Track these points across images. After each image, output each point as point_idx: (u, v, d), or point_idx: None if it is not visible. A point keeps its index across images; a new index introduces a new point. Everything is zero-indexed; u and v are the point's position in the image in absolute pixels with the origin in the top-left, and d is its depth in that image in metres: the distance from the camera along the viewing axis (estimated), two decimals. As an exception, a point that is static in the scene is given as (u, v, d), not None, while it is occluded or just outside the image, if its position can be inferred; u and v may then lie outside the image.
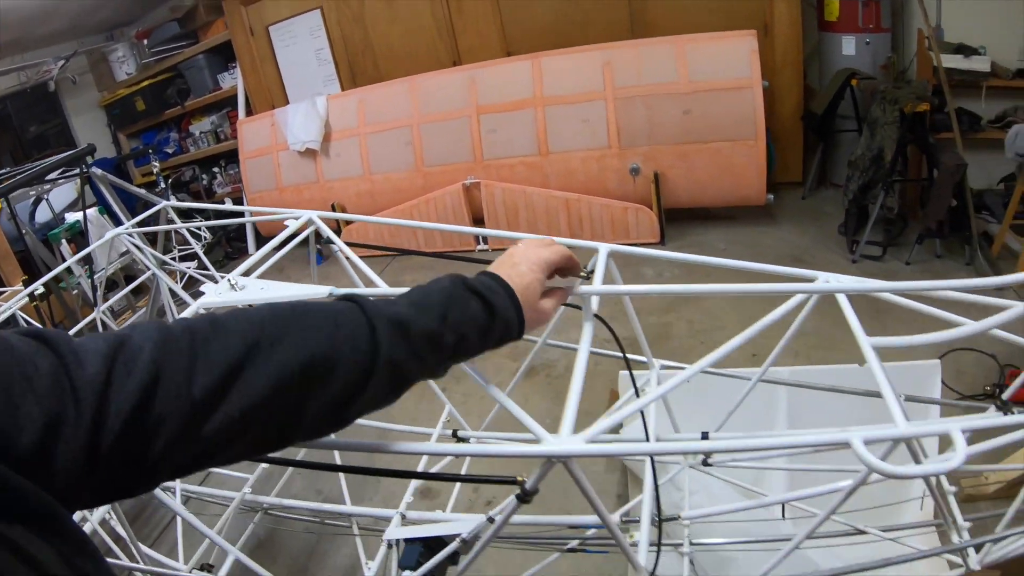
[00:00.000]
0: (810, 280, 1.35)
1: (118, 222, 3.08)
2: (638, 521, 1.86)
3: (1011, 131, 4.32)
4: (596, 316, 1.38)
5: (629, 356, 1.93)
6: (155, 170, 6.43)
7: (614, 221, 5.17)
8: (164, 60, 7.33)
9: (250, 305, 1.75)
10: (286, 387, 0.77)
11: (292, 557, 3.20)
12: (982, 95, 4.80)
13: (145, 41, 7.43)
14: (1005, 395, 1.74)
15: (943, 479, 1.97)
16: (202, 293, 1.96)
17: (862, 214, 4.73)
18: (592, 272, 1.54)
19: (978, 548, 1.56)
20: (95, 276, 3.50)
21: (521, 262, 1.10)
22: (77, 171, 3.74)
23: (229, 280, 1.98)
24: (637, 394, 1.30)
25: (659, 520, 1.40)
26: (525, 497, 1.13)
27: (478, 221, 5.60)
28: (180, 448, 0.69)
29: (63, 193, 6.11)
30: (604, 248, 1.55)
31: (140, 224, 2.67)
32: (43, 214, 6.01)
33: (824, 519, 1.25)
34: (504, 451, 1.16)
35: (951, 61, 4.69)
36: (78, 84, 7.62)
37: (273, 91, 6.82)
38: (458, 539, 1.55)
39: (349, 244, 2.15)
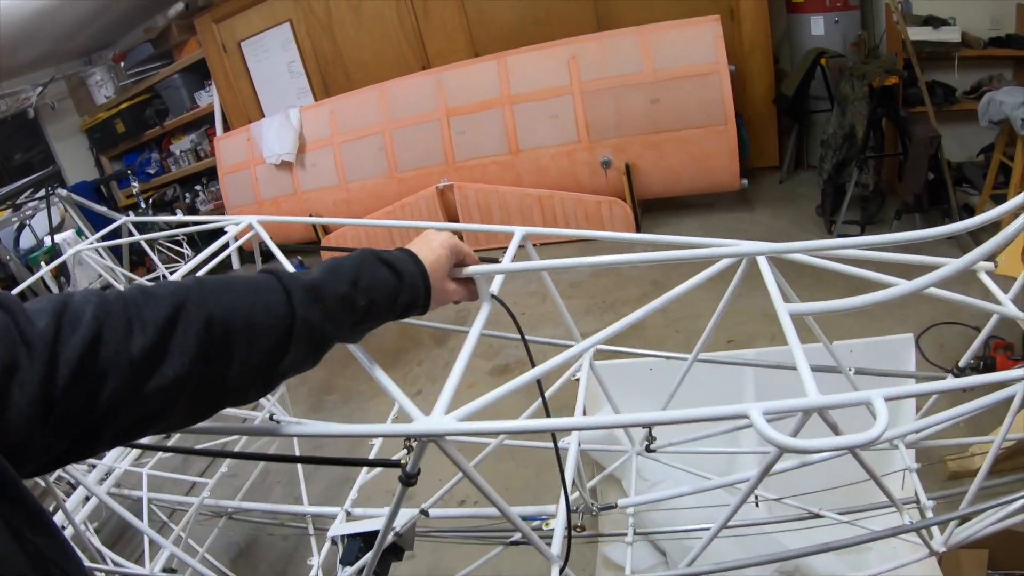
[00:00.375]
0: (730, 255, 1.32)
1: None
2: (577, 511, 1.83)
3: (984, 99, 4.25)
4: (493, 296, 1.36)
5: (562, 341, 1.90)
6: (135, 191, 6.43)
7: (588, 215, 5.12)
8: (141, 81, 7.35)
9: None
10: (214, 346, 0.82)
11: (271, 563, 3.21)
12: (955, 66, 4.72)
13: (122, 64, 7.45)
14: (961, 362, 1.68)
15: (905, 453, 1.91)
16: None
17: (838, 194, 4.65)
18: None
19: (942, 528, 1.49)
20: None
21: (433, 239, 1.18)
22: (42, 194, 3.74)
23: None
24: (533, 364, 1.24)
25: (567, 510, 1.35)
26: (407, 480, 1.12)
27: (454, 220, 5.55)
28: (123, 408, 0.73)
29: (46, 218, 6.12)
30: (520, 231, 1.53)
31: (104, 239, 2.70)
32: (28, 240, 6.01)
33: (742, 501, 1.19)
34: (374, 431, 1.17)
35: (920, 34, 4.62)
36: (58, 110, 7.65)
37: (249, 106, 6.81)
38: (392, 532, 1.57)
39: (288, 247, 2.13)
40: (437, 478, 2.07)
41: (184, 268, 2.21)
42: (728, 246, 1.31)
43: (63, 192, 3.31)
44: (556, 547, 1.37)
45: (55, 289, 4.39)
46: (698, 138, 4.86)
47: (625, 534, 2.00)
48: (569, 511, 1.37)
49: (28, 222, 5.96)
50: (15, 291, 2.17)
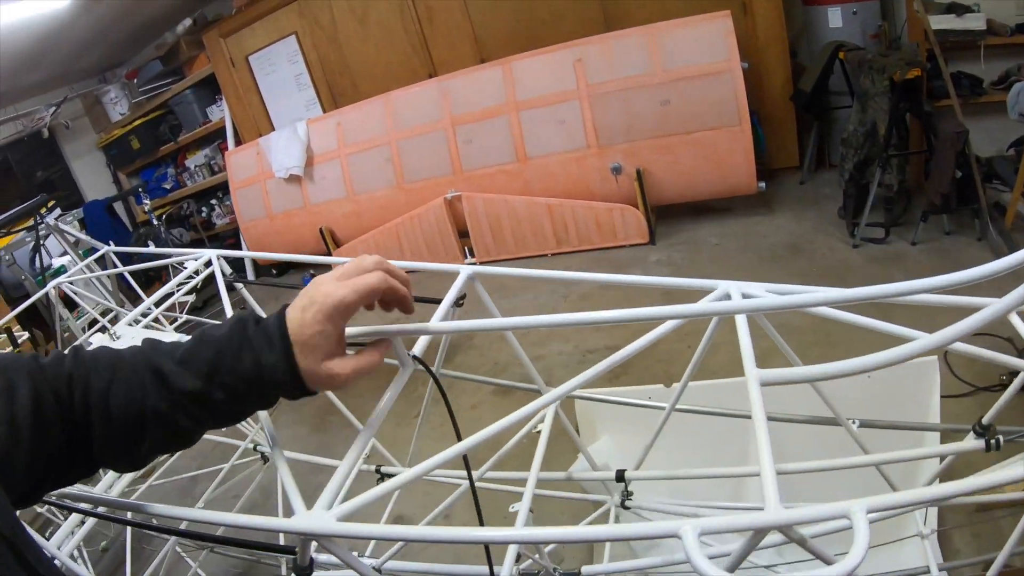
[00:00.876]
0: (710, 290, 1.11)
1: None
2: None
3: (1012, 90, 4.03)
4: (415, 357, 1.19)
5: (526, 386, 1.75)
6: (146, 208, 6.42)
7: (600, 224, 4.96)
8: (154, 98, 7.36)
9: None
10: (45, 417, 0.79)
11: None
12: (981, 56, 4.48)
13: (135, 80, 7.45)
14: (986, 417, 1.38)
15: (919, 517, 1.70)
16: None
17: (861, 195, 4.43)
18: (463, 299, 1.37)
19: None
20: (80, 320, 3.51)
21: (309, 306, 0.86)
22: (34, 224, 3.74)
23: (110, 332, 2.05)
24: (459, 437, 1.08)
25: None
26: (301, 573, 0.98)
27: (463, 234, 5.45)
28: None
29: (61, 239, 6.15)
30: (466, 270, 1.35)
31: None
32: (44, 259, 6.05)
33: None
34: (249, 523, 0.98)
35: (943, 22, 4.39)
36: (73, 128, 7.70)
37: (259, 120, 6.76)
38: None
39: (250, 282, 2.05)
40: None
41: (148, 301, 2.14)
42: (708, 290, 1.14)
43: (51, 221, 3.31)
44: None
45: (61, 309, 4.37)
46: (712, 140, 4.67)
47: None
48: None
49: (43, 243, 5.99)
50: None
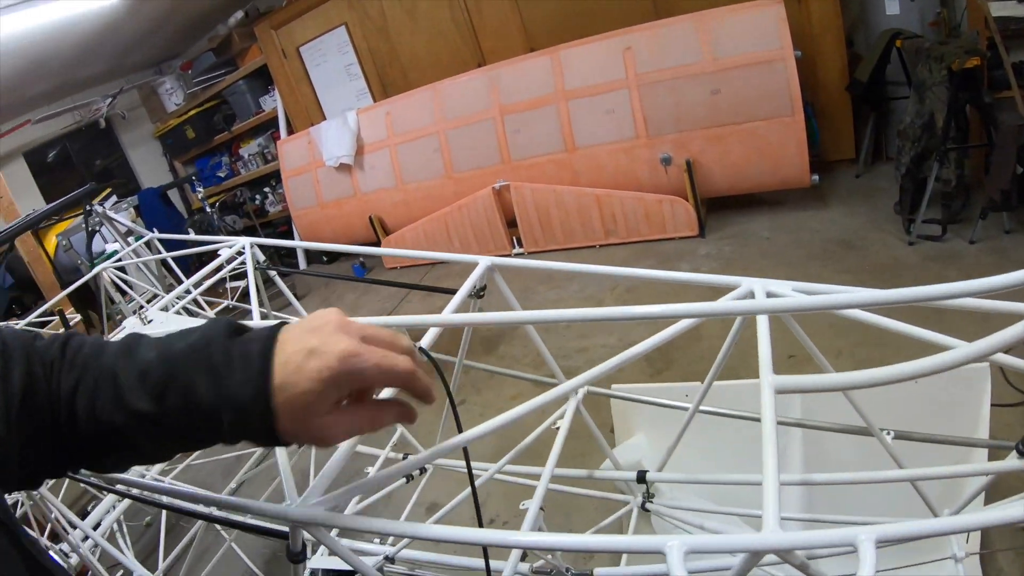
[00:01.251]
0: (733, 287, 1.09)
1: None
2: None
3: (1078, 81, 3.89)
4: (420, 349, 1.18)
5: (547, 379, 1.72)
6: (200, 196, 6.57)
7: (649, 215, 4.92)
8: (208, 88, 7.49)
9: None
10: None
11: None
12: (1045, 44, 4.34)
13: (189, 71, 7.60)
14: None
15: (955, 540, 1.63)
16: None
17: (918, 190, 4.30)
18: (483, 290, 1.38)
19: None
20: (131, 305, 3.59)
21: (316, 354, 0.69)
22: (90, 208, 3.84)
23: (141, 316, 2.17)
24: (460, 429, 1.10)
25: None
26: (294, 558, 0.96)
27: (512, 224, 5.45)
28: None
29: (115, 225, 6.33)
30: (484, 261, 1.35)
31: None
32: (99, 244, 6.22)
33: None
34: (243, 504, 0.95)
35: (1004, 9, 4.24)
36: (130, 118, 7.88)
37: (311, 109, 6.85)
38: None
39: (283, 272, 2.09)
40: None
41: (182, 287, 2.21)
42: (732, 287, 1.11)
43: (100, 209, 3.40)
44: None
45: (113, 292, 4.51)
46: (764, 131, 4.58)
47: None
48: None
49: (98, 228, 6.17)
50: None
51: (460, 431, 0.93)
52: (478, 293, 1.58)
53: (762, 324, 0.94)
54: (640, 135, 4.88)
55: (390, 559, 1.60)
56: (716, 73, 4.60)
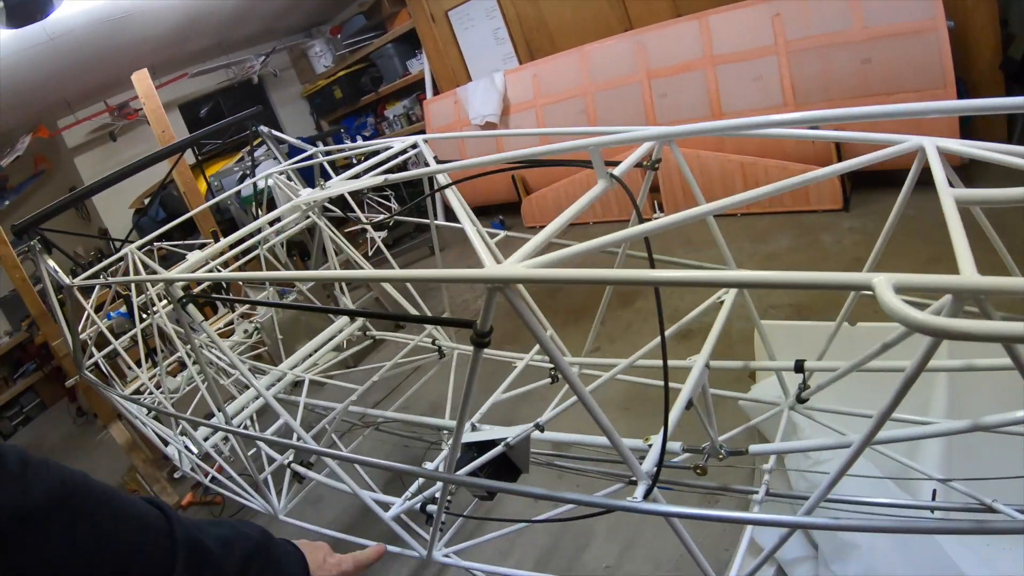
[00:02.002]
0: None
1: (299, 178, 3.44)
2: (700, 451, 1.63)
3: None
4: (612, 176, 1.42)
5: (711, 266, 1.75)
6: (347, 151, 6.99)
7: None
8: (356, 51, 7.91)
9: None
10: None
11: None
12: None
13: (339, 36, 8.05)
14: None
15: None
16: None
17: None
18: (659, 162, 1.59)
19: None
20: (280, 236, 3.86)
21: (327, 558, 1.11)
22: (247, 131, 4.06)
23: (320, 183, 2.52)
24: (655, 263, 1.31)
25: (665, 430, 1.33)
26: (479, 339, 1.06)
27: (654, 188, 5.62)
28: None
29: (265, 171, 6.83)
30: (658, 131, 1.56)
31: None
32: (248, 189, 6.67)
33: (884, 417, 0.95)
34: (448, 275, 1.12)
35: None
36: (281, 77, 8.40)
37: (457, 72, 7.18)
38: (503, 443, 1.64)
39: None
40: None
41: (350, 172, 2.44)
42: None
43: (265, 129, 3.68)
44: (649, 463, 1.30)
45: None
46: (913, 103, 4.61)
47: (755, 492, 1.75)
48: (667, 429, 1.31)
49: (248, 172, 6.67)
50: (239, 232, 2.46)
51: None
52: (653, 165, 1.75)
53: (933, 154, 1.17)
54: (788, 102, 4.98)
55: (539, 427, 1.85)
56: (866, 42, 4.66)
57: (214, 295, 3.35)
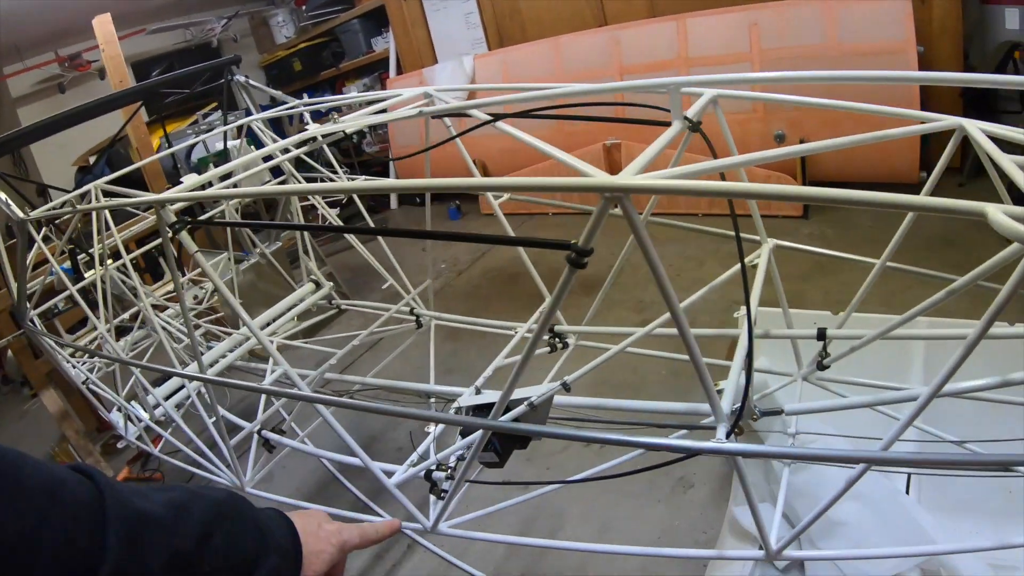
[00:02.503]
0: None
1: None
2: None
3: None
4: (687, 118, 1.47)
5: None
6: (306, 126, 6.83)
7: (754, 188, 5.09)
8: (320, 24, 7.73)
9: None
10: None
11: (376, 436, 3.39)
12: None
13: (303, 7, 7.86)
14: None
15: None
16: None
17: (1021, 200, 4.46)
18: (700, 123, 1.59)
19: None
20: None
21: (323, 525, 0.95)
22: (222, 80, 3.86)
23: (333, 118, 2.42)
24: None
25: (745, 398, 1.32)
26: (578, 260, 0.97)
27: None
28: None
29: (217, 140, 6.61)
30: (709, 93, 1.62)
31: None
32: (199, 152, 6.43)
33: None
34: (559, 183, 1.07)
35: None
36: (240, 44, 8.15)
37: (423, 53, 7.07)
38: (526, 403, 1.50)
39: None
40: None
41: (359, 112, 2.40)
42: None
43: (242, 78, 3.52)
44: (728, 399, 1.27)
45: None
46: (880, 121, 4.70)
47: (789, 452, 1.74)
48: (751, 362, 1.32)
49: (203, 139, 6.45)
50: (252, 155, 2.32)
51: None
52: (694, 125, 1.73)
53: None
54: (757, 109, 5.05)
55: (566, 386, 1.80)
56: (839, 57, 4.75)
57: (216, 220, 3.19)
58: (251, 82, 3.42)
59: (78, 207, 2.30)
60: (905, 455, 1.03)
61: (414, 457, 1.72)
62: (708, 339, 2.10)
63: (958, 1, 4.96)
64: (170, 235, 1.60)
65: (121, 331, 3.26)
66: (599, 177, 0.97)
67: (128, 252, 2.72)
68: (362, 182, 2.95)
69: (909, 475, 2.05)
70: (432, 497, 1.67)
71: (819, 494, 1.89)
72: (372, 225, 3.54)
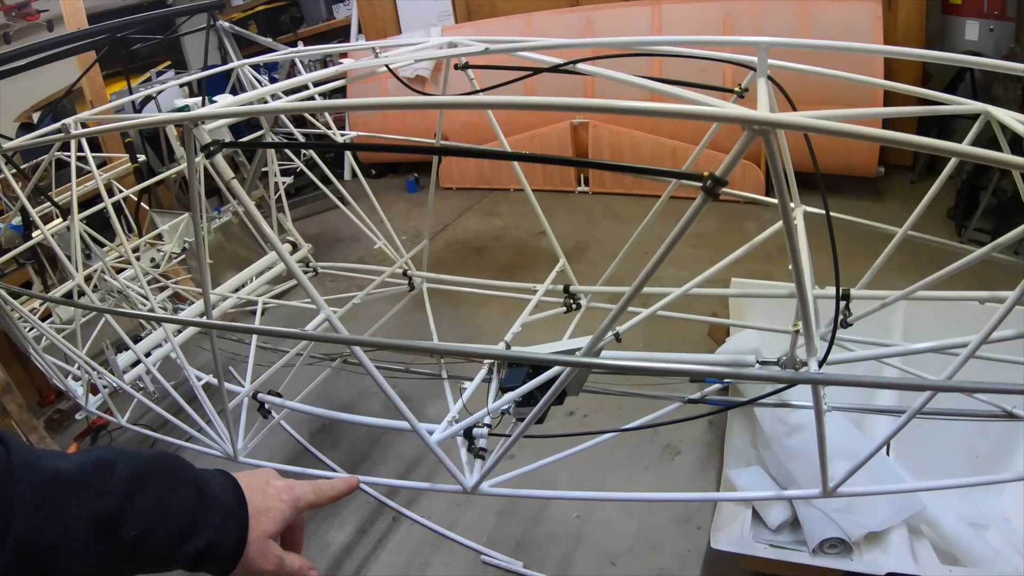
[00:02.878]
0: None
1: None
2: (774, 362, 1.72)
3: None
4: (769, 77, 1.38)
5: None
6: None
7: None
8: (281, -14, 7.53)
9: None
10: None
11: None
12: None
13: (264, -34, 7.64)
14: None
15: None
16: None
17: (973, 198, 4.61)
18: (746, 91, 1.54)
19: None
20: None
21: (272, 481, 0.88)
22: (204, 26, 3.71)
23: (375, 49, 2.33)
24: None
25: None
26: (713, 190, 0.96)
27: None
28: None
29: (170, 96, 6.35)
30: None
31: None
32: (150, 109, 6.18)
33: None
34: (703, 112, 1.03)
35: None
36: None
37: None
38: (612, 334, 1.57)
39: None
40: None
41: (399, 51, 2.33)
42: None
43: (226, 25, 3.39)
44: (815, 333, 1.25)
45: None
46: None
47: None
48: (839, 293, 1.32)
49: (155, 97, 6.19)
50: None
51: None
52: (741, 92, 1.74)
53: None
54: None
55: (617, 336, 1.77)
56: (810, 55, 4.82)
57: (250, 142, 3.08)
58: (238, 29, 3.25)
59: (72, 132, 1.98)
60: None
61: (454, 412, 1.64)
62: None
63: (922, 8, 5.11)
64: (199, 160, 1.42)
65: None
66: (742, 110, 0.98)
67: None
68: (419, 98, 2.82)
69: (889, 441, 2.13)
70: (467, 456, 1.58)
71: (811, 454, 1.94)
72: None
